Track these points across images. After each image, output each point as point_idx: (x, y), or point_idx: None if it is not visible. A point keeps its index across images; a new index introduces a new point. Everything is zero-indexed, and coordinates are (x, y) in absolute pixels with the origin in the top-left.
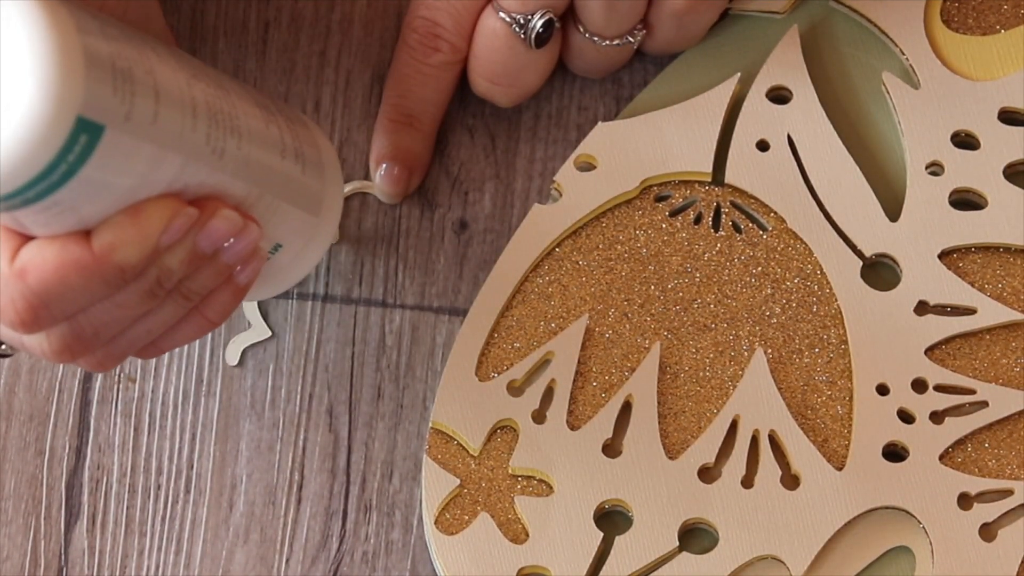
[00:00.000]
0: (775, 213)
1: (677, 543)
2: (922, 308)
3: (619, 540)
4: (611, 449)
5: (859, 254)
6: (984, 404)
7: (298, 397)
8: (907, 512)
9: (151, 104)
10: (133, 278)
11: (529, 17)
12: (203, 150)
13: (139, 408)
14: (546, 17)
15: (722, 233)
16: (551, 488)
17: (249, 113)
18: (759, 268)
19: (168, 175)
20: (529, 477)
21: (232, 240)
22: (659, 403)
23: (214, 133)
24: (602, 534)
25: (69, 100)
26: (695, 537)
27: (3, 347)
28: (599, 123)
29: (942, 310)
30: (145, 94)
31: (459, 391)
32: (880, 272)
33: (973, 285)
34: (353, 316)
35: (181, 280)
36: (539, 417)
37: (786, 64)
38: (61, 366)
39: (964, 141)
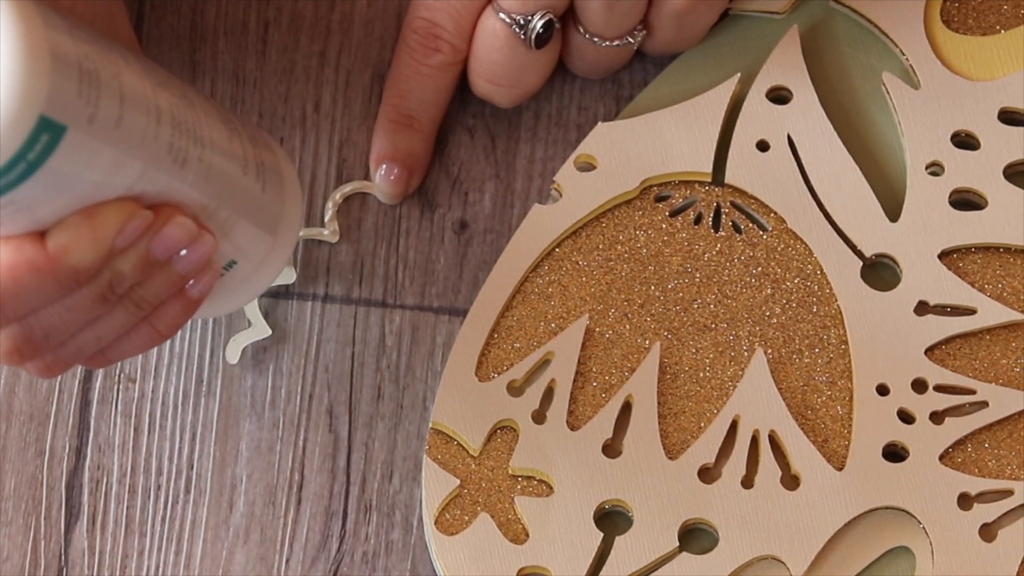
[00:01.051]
0: (775, 213)
1: (677, 543)
2: (922, 308)
3: (619, 540)
4: (611, 449)
5: (859, 254)
6: (984, 404)
7: (298, 397)
8: (907, 512)
9: (115, 108)
10: (86, 281)
11: (529, 18)
12: (164, 158)
13: (139, 408)
14: (546, 18)
15: (722, 233)
16: (551, 488)
17: (213, 127)
18: (759, 268)
19: (127, 180)
20: (529, 477)
21: (186, 250)
22: (659, 403)
23: (176, 142)
24: (602, 534)
25: (33, 98)
26: (695, 537)
27: None
28: (599, 123)
29: (942, 310)
30: (110, 98)
31: (459, 391)
32: (880, 272)
33: (973, 285)
34: (353, 316)
35: (133, 287)
36: (539, 417)
37: (786, 64)
38: None
39: (964, 141)
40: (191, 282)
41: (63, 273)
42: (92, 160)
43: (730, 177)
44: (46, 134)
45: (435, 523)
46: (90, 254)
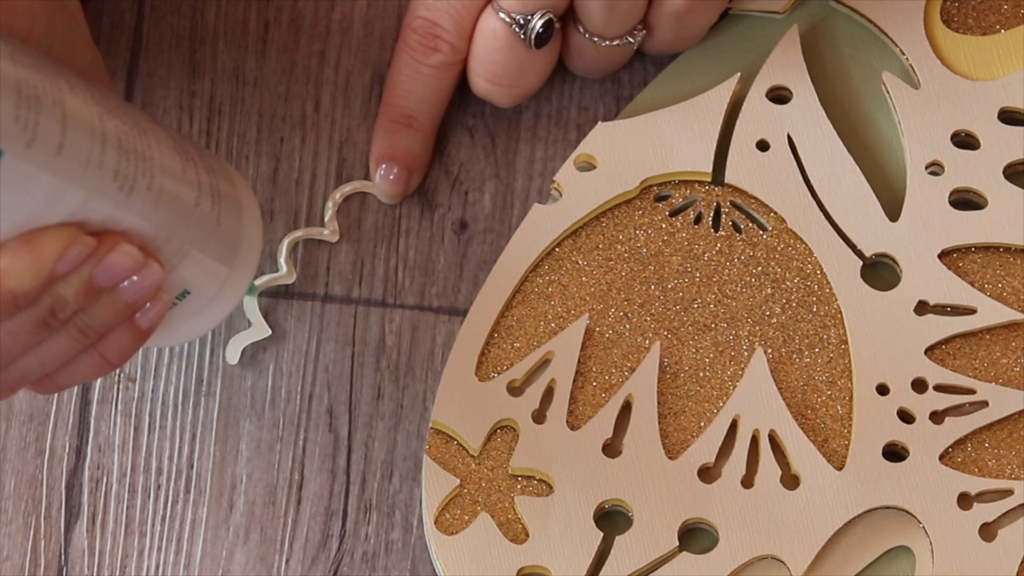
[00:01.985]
0: (775, 213)
1: (677, 543)
2: (922, 308)
3: (619, 540)
4: (611, 449)
5: (859, 254)
6: (984, 404)
7: (298, 397)
8: (907, 512)
9: (56, 135)
10: (26, 305)
11: (529, 17)
12: (109, 187)
13: (139, 408)
14: (546, 17)
15: (722, 233)
16: (551, 488)
17: (165, 156)
18: (759, 268)
19: (69, 207)
20: (529, 477)
21: (133, 278)
22: (659, 403)
23: (123, 170)
24: (602, 534)
25: None
26: (695, 537)
27: None
28: (599, 123)
29: (942, 310)
30: (51, 123)
31: (459, 391)
32: (880, 272)
33: (973, 285)
34: (353, 316)
35: (77, 313)
36: (539, 417)
37: (786, 64)
38: None
39: (964, 141)
40: (140, 311)
41: (1, 297)
42: (30, 186)
43: (730, 177)
44: None
45: (435, 523)
46: (29, 279)
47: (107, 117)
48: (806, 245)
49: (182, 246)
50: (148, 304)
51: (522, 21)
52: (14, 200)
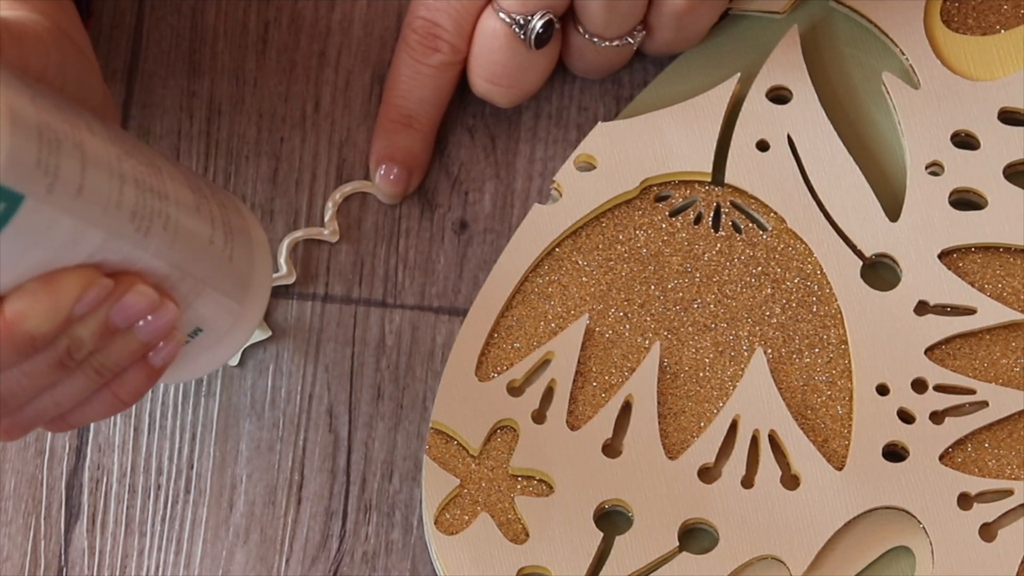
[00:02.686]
0: (775, 213)
1: (677, 543)
2: (922, 308)
3: (619, 540)
4: (611, 449)
5: (859, 254)
6: (984, 404)
7: (298, 397)
8: (907, 512)
9: (76, 178)
10: (43, 347)
11: (529, 18)
12: (127, 228)
13: (139, 408)
14: (546, 18)
15: (722, 233)
16: (551, 488)
17: (180, 195)
18: (759, 268)
19: (88, 249)
20: (529, 477)
21: (148, 318)
22: (659, 403)
23: (140, 212)
24: (602, 534)
25: None
26: (695, 537)
27: None
28: (599, 123)
29: (942, 310)
30: (71, 167)
31: (459, 391)
32: (880, 272)
33: (973, 285)
34: (353, 316)
35: (92, 353)
36: (539, 417)
37: (786, 64)
38: None
39: (964, 141)
40: (153, 351)
41: (20, 339)
42: (51, 229)
43: (730, 177)
44: (2, 203)
45: (435, 523)
46: (47, 321)
47: (124, 158)
48: (806, 245)
49: (196, 284)
50: (162, 343)
51: (522, 21)
52: (34, 243)
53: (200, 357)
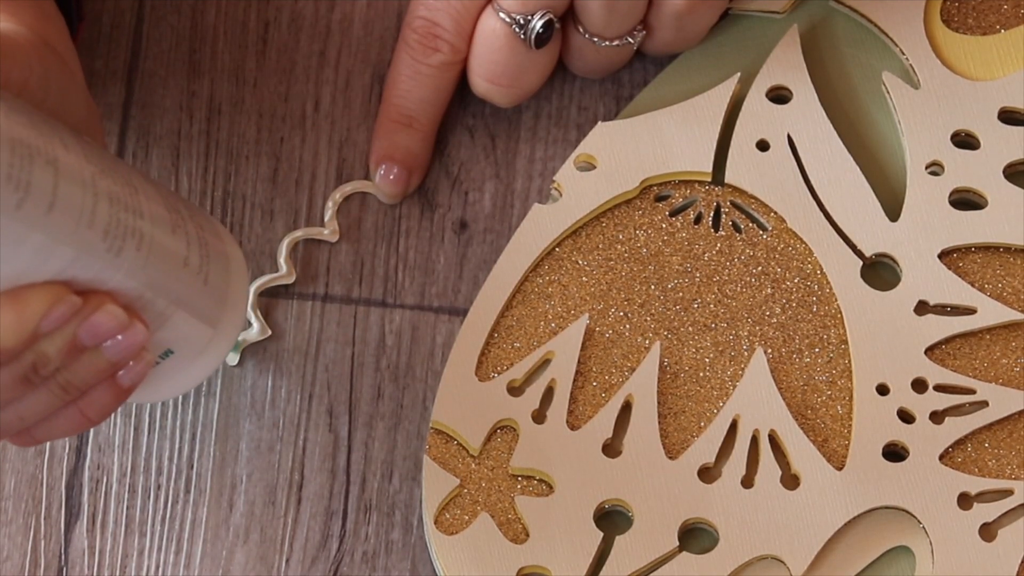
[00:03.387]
0: (775, 213)
1: (677, 543)
2: (922, 308)
3: (619, 540)
4: (611, 449)
5: (859, 254)
6: (984, 404)
7: (298, 397)
8: (907, 512)
9: (48, 194)
10: (8, 361)
11: (529, 18)
12: (98, 247)
13: (139, 408)
14: (546, 18)
15: (722, 233)
16: (551, 488)
17: (156, 214)
18: (759, 268)
19: (57, 266)
20: (529, 477)
21: (117, 337)
22: (659, 403)
23: (113, 230)
24: (602, 534)
25: None
26: (695, 537)
27: None
28: (599, 123)
29: (942, 310)
30: (43, 183)
31: (459, 391)
32: (880, 272)
33: (973, 285)
34: (353, 316)
35: (59, 370)
36: (539, 417)
37: (786, 64)
38: None
39: (964, 141)
40: (122, 371)
41: None
42: (19, 245)
43: (730, 177)
44: None
45: (435, 523)
46: (13, 336)
47: (99, 176)
48: (806, 245)
49: (168, 306)
50: (131, 363)
51: (522, 21)
52: (2, 258)
53: (171, 379)
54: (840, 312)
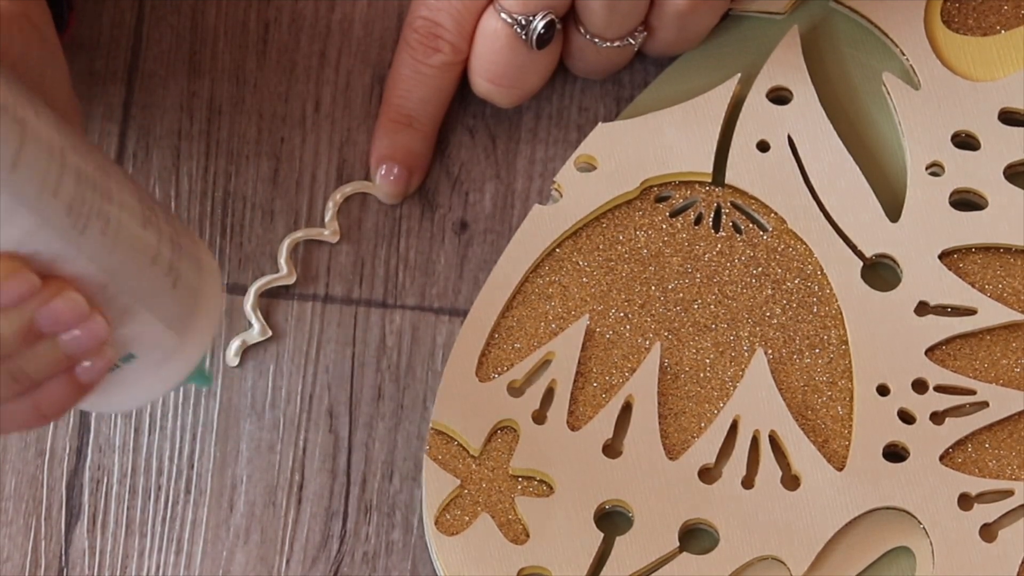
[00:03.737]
0: (775, 214)
1: (677, 543)
2: (922, 308)
3: (619, 540)
4: (611, 449)
5: (859, 254)
6: (984, 404)
7: (298, 398)
8: (907, 512)
9: (12, 150)
10: None
11: (530, 18)
12: (63, 220)
13: (139, 409)
14: (547, 18)
15: (722, 234)
16: (551, 488)
17: (126, 204)
18: (759, 269)
19: (17, 233)
20: (529, 477)
21: (74, 332)
22: (659, 403)
23: (79, 208)
24: (602, 534)
25: None
26: (695, 537)
27: None
28: (599, 123)
29: (942, 310)
30: (8, 138)
31: (459, 391)
32: (880, 272)
33: (973, 285)
34: (353, 316)
35: (12, 357)
36: (539, 417)
37: (786, 65)
38: None
39: (964, 141)
40: (80, 366)
41: None
42: None
43: (730, 177)
44: None
45: (435, 523)
46: None
47: (69, 151)
48: (806, 246)
49: (132, 303)
50: (90, 361)
51: (523, 22)
52: None
53: (131, 386)
54: (840, 313)
